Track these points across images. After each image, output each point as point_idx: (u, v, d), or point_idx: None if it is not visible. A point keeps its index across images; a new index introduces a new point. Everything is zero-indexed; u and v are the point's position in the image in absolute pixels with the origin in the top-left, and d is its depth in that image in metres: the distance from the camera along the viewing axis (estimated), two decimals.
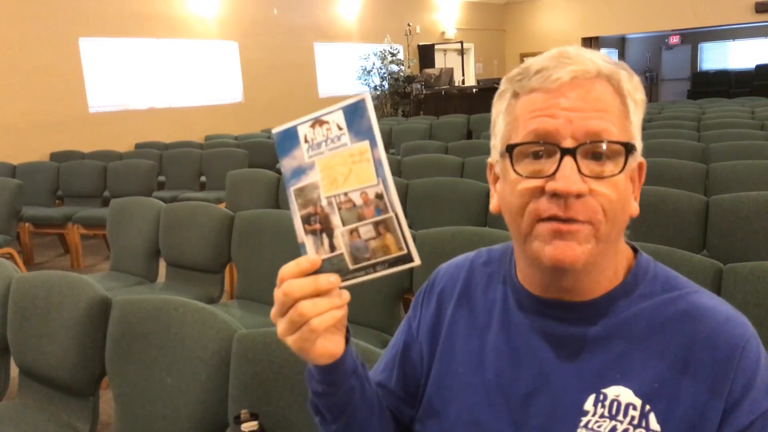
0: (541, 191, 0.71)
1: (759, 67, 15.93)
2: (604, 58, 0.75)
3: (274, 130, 0.72)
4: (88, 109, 7.71)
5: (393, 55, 11.70)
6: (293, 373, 1.35)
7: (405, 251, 0.69)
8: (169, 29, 8.61)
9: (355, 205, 0.70)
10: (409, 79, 11.53)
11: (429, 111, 10.20)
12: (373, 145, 0.69)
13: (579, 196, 0.70)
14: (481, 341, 0.84)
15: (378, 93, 11.51)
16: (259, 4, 9.84)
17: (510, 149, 0.74)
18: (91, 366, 1.75)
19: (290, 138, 0.72)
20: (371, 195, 0.69)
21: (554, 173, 0.70)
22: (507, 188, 0.75)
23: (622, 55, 18.82)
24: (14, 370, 1.99)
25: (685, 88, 17.83)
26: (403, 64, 11.84)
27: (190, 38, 8.90)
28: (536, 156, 0.72)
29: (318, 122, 0.71)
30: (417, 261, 0.69)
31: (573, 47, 0.76)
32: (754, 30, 15.90)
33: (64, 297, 1.82)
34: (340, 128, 0.70)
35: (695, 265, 1.80)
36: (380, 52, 11.55)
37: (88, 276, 2.05)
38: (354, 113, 0.70)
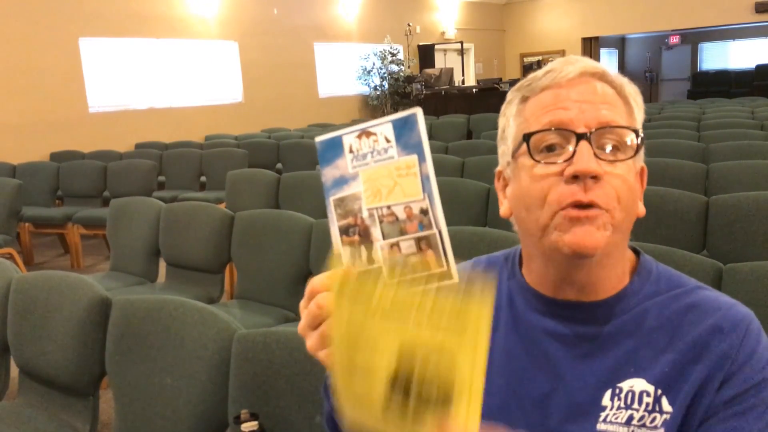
0: (559, 176, 0.74)
1: (759, 67, 15.92)
2: (607, 68, 0.80)
3: (318, 138, 0.70)
4: (88, 109, 7.71)
5: (393, 55, 11.70)
6: (293, 373, 1.35)
7: (444, 268, 0.67)
8: (169, 29, 8.61)
9: (397, 218, 0.68)
10: (409, 79, 11.53)
11: (429, 111, 10.20)
12: (422, 159, 0.68)
13: (595, 178, 0.72)
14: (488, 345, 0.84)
15: (378, 93, 11.51)
16: (259, 4, 9.84)
17: (527, 137, 0.76)
18: (91, 366, 1.75)
19: (334, 147, 0.70)
20: (415, 210, 0.68)
21: (571, 157, 0.73)
22: (524, 180, 0.77)
23: (622, 55, 18.82)
24: (14, 370, 1.99)
25: (685, 88, 17.83)
26: (403, 64, 11.84)
27: (190, 38, 8.90)
28: (550, 149, 0.75)
29: (365, 133, 0.69)
30: (456, 279, 0.66)
31: (577, 56, 0.82)
32: (754, 30, 15.90)
33: (64, 297, 1.82)
34: (387, 141, 0.69)
35: (695, 265, 1.80)
36: (380, 52, 11.55)
37: (88, 276, 2.05)
38: (403, 127, 0.68)
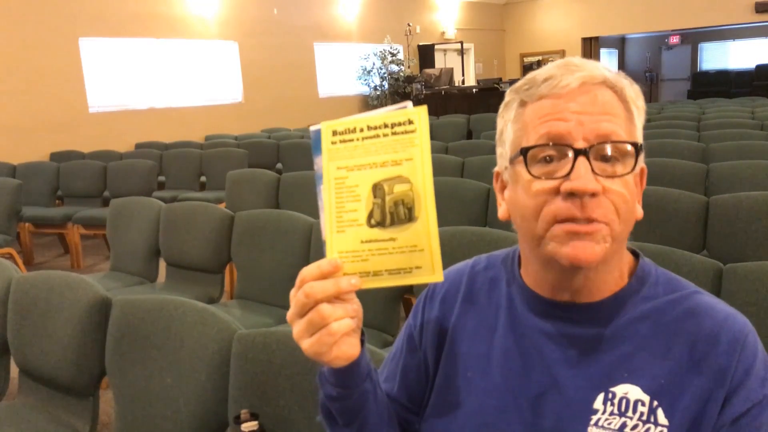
0: (555, 192, 0.73)
1: (759, 67, 15.92)
2: (608, 68, 0.78)
3: (312, 128, 0.72)
4: (88, 109, 7.71)
5: (393, 55, 11.70)
6: (293, 373, 1.35)
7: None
8: (169, 29, 8.61)
9: None
10: (409, 79, 11.54)
11: (429, 111, 10.00)
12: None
13: (593, 195, 0.72)
14: (487, 344, 0.84)
15: (378, 93, 11.52)
16: (259, 4, 9.84)
17: (524, 152, 0.75)
18: (91, 366, 1.75)
19: None
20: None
21: (569, 174, 0.72)
22: (520, 191, 0.77)
23: (622, 55, 18.81)
24: (14, 370, 1.99)
25: (685, 88, 17.83)
26: (403, 64, 11.84)
27: (190, 38, 8.90)
28: (547, 161, 0.74)
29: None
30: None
31: (577, 57, 0.79)
32: (754, 30, 15.90)
33: (64, 297, 1.82)
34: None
35: (695, 265, 1.80)
36: (380, 52, 11.55)
37: (88, 276, 2.05)
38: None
